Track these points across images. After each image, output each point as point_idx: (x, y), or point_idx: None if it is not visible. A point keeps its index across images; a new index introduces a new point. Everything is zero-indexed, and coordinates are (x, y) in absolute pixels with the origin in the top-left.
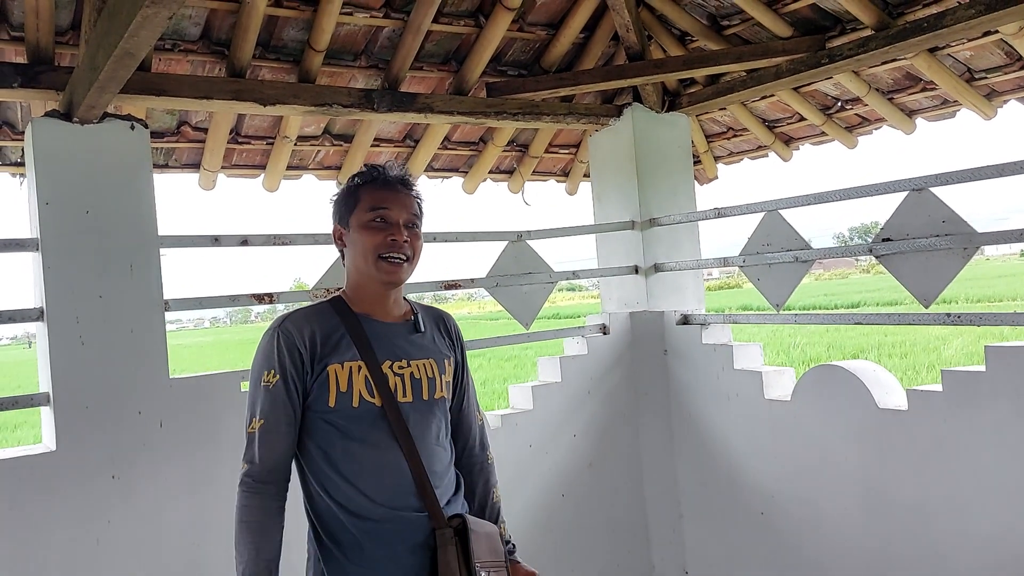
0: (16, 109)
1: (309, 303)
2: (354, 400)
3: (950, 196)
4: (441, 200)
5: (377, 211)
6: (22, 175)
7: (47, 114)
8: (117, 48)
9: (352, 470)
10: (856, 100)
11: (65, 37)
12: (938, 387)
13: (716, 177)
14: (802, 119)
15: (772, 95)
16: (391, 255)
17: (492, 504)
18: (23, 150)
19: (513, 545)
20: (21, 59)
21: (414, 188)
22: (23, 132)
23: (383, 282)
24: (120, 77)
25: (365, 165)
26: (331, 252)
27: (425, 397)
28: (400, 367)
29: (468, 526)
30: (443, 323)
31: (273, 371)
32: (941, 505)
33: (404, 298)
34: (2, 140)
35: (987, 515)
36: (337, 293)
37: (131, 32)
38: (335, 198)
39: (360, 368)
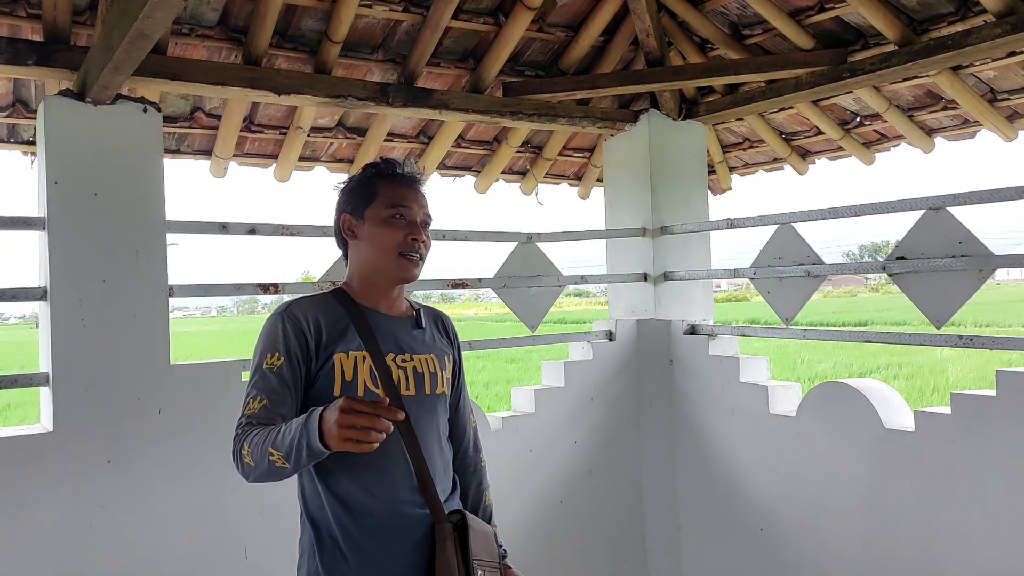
0: (30, 87)
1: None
2: (359, 390)
3: (967, 217)
4: (452, 198)
5: (398, 208)
6: (33, 154)
7: (60, 93)
8: (132, 29)
9: (353, 463)
10: (875, 116)
11: (82, 17)
12: (946, 409)
13: (730, 188)
14: (819, 133)
15: (791, 107)
16: (410, 253)
17: (485, 507)
18: (35, 129)
19: (505, 550)
20: (37, 37)
21: (424, 186)
22: (36, 110)
23: (398, 278)
24: (135, 58)
25: (381, 158)
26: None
27: (428, 391)
28: (403, 360)
29: (467, 523)
30: (441, 322)
31: (277, 354)
32: (946, 529)
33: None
34: (15, 118)
35: (992, 541)
36: (338, 285)
37: (146, 13)
38: (346, 186)
39: (365, 358)
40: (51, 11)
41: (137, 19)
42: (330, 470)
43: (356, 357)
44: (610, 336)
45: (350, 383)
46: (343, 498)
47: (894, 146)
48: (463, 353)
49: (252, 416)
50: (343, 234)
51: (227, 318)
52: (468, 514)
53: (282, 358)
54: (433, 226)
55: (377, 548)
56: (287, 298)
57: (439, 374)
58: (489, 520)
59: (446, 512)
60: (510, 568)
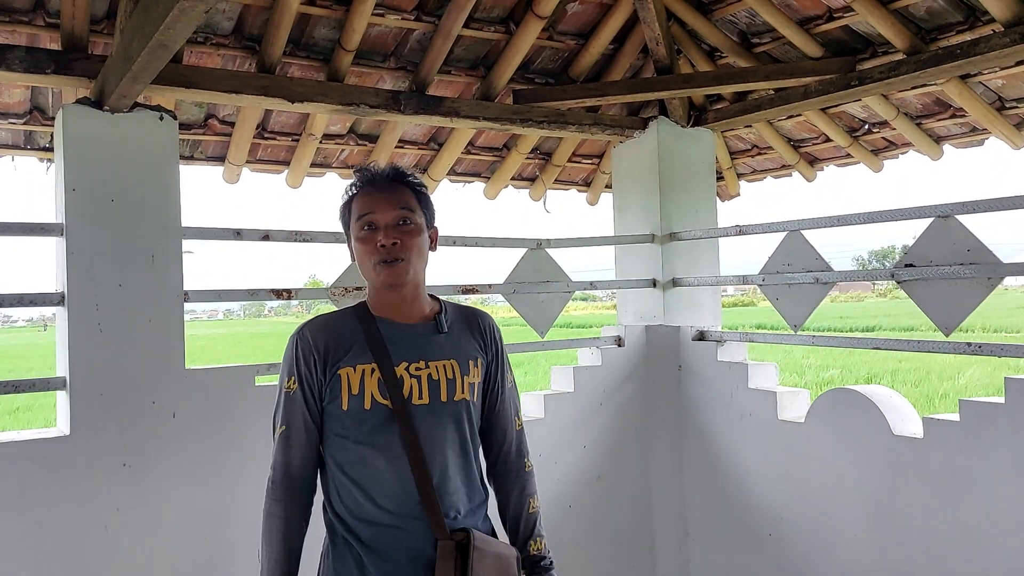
0: (47, 95)
1: (330, 302)
2: (366, 402)
3: (975, 225)
4: (462, 205)
5: (364, 218)
6: (50, 160)
7: (78, 101)
8: (152, 40)
9: (360, 474)
10: (884, 123)
11: (100, 26)
12: (955, 416)
13: (738, 194)
14: (828, 140)
15: (799, 115)
16: (384, 260)
17: (528, 515)
18: (52, 136)
19: (550, 561)
20: (55, 45)
21: (406, 179)
22: (53, 118)
23: (386, 286)
24: (153, 68)
25: (354, 171)
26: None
27: (443, 399)
28: (417, 368)
29: (472, 543)
30: (476, 323)
31: (293, 378)
32: (954, 536)
33: (434, 297)
34: (32, 125)
35: (1001, 549)
36: (363, 299)
37: (167, 24)
38: (339, 213)
39: (373, 371)
40: (69, 20)
41: (158, 30)
42: (342, 482)
43: (364, 370)
44: (619, 342)
45: (357, 396)
46: (353, 507)
47: (902, 153)
48: None
49: (278, 444)
50: (351, 257)
51: (234, 321)
52: (477, 534)
53: (296, 382)
54: (444, 233)
55: (382, 557)
56: (295, 304)
57: (459, 380)
58: (534, 527)
59: (455, 528)
60: None
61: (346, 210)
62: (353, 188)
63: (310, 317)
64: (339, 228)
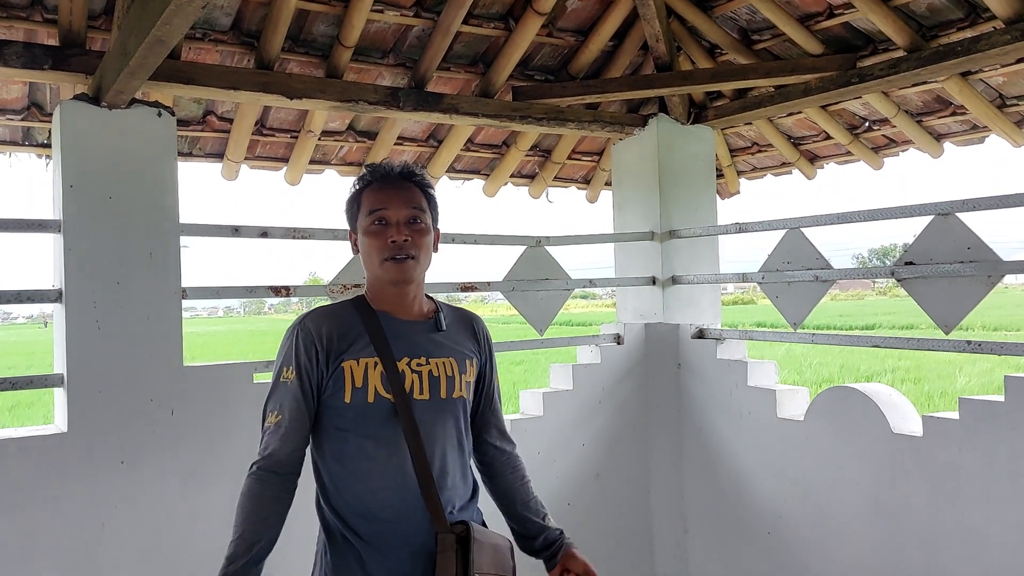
0: (45, 91)
1: (328, 299)
2: (369, 396)
3: (976, 222)
4: (461, 202)
5: (375, 213)
6: (48, 157)
7: (76, 97)
8: (149, 35)
9: (361, 468)
10: (884, 121)
11: (97, 21)
12: (954, 415)
13: (738, 192)
14: (828, 137)
15: (799, 112)
16: (394, 256)
17: (534, 497)
18: (50, 132)
19: (560, 531)
20: (53, 41)
21: (417, 179)
22: (51, 114)
23: (393, 282)
24: (150, 64)
25: (365, 166)
26: (349, 248)
27: (443, 395)
28: (418, 364)
29: (472, 534)
30: (471, 324)
31: (291, 368)
32: (953, 534)
33: (429, 297)
34: (30, 121)
35: (1000, 547)
36: (360, 293)
37: (164, 19)
38: (345, 204)
39: (376, 364)
40: (67, 16)
41: (155, 25)
42: (340, 475)
43: (367, 363)
44: (618, 339)
45: (360, 389)
46: (352, 502)
47: (903, 151)
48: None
49: (269, 431)
50: (352, 249)
51: (234, 319)
52: (475, 526)
53: (294, 372)
54: (443, 230)
55: (382, 552)
56: (295, 301)
57: (457, 378)
58: (542, 505)
59: (454, 521)
60: (574, 549)
61: (354, 203)
62: (363, 181)
63: (309, 309)
64: (337, 225)
